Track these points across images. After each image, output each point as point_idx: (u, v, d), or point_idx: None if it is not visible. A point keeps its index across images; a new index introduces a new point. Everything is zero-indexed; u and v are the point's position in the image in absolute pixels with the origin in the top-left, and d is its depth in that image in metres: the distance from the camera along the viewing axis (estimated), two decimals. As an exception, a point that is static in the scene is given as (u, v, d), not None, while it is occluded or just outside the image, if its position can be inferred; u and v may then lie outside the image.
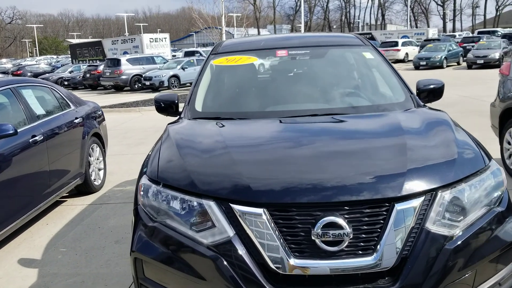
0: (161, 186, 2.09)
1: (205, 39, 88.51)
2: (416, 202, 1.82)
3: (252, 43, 3.63)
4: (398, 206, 1.80)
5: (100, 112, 6.08)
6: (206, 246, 1.86)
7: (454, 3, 72.45)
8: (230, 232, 1.84)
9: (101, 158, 5.84)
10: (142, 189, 2.17)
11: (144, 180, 2.20)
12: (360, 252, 1.78)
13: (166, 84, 20.38)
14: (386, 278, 1.79)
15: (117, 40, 30.95)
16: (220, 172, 2.01)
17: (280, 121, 2.59)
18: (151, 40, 28.84)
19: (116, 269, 3.51)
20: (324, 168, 1.98)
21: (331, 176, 1.91)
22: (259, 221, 1.82)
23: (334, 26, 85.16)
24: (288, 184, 1.88)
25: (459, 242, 1.81)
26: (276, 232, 1.80)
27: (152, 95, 18.56)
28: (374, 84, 3.11)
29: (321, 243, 1.77)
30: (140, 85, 21.54)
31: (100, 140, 5.84)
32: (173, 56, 30.48)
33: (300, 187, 1.85)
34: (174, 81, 20.83)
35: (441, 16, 75.78)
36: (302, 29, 37.94)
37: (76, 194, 5.39)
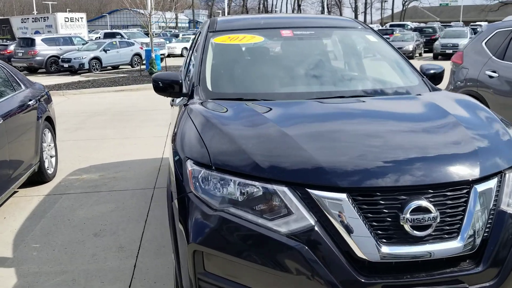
0: (215, 170, 1.91)
1: (121, 21, 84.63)
2: (492, 183, 1.83)
3: (252, 21, 3.47)
4: (478, 188, 1.80)
5: (48, 93, 5.54)
6: (285, 235, 1.73)
7: (366, -3, 76.05)
8: (311, 219, 1.73)
9: (52, 144, 5.33)
10: (192, 175, 1.97)
11: (192, 165, 2.00)
12: (446, 236, 1.75)
13: (86, 66, 19.29)
14: (467, 261, 1.79)
15: (28, 19, 28.56)
16: (289, 155, 1.87)
17: (321, 102, 2.49)
18: (66, 19, 27.01)
19: (107, 264, 3.22)
20: (400, 149, 1.92)
21: (411, 157, 1.86)
22: (342, 207, 1.72)
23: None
24: (369, 167, 1.79)
25: None
26: (362, 218, 1.72)
27: (73, 78, 17.42)
28: (387, 67, 3.11)
29: (410, 228, 1.71)
30: (57, 67, 20.14)
31: (51, 124, 5.32)
32: (95, 38, 28.73)
33: (382, 170, 1.78)
34: (96, 63, 19.75)
35: (353, 8, 79.21)
36: (221, 15, 37.63)
37: (27, 184, 4.87)
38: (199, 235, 1.86)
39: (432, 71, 3.14)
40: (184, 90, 2.94)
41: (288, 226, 1.74)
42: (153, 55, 17.83)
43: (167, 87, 2.93)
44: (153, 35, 18.74)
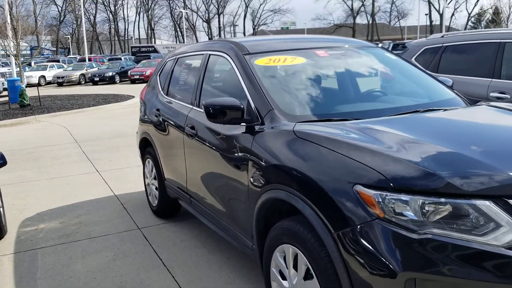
0: (399, 192, 1.85)
1: None
2: None
3: (279, 43, 3.42)
4: None
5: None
6: (504, 246, 1.75)
7: (218, 21, 78.74)
8: None
9: (-2, 193, 4.50)
10: (376, 200, 1.87)
11: (368, 191, 1.91)
12: None
13: None
14: None
15: None
16: (477, 170, 1.90)
17: (423, 116, 2.56)
18: None
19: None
20: None
21: None
22: None
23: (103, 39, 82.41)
24: None
25: None
26: None
27: None
28: (423, 81, 3.31)
29: None
30: None
31: (-5, 169, 4.49)
32: None
33: None
34: None
35: (207, 32, 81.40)
36: (70, 40, 35.74)
37: (-21, 244, 4.04)
38: (408, 261, 1.78)
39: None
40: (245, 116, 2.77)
41: (500, 239, 1.76)
42: (23, 86, 16.10)
43: (224, 113, 2.74)
44: (21, 64, 16.92)
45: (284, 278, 2.43)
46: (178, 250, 3.80)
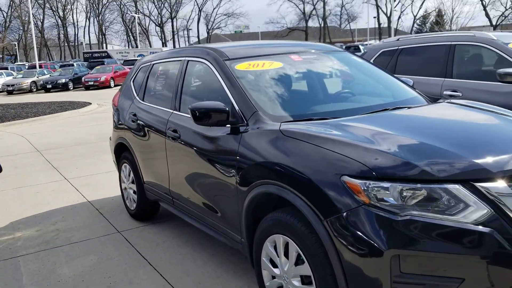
0: (381, 180, 2.10)
1: None
2: None
3: (255, 49, 3.63)
4: None
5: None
6: (472, 223, 2.02)
7: (172, 25, 78.15)
8: (485, 207, 2.05)
9: (-29, 203, 4.45)
10: (362, 188, 2.11)
11: (354, 180, 2.14)
12: None
13: None
14: None
15: None
16: (446, 158, 2.17)
17: (390, 114, 2.84)
18: None
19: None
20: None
21: None
22: (502, 192, 2.09)
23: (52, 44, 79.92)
24: (508, 156, 2.20)
25: None
26: None
27: None
28: (388, 82, 3.60)
29: None
30: None
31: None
32: None
33: None
34: None
35: (160, 37, 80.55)
36: (17, 47, 34.67)
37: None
38: (393, 240, 2.03)
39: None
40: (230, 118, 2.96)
41: (472, 216, 2.03)
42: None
43: (209, 115, 2.91)
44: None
45: (275, 266, 2.63)
46: (162, 250, 3.93)
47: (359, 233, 2.10)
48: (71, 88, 27.44)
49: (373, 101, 3.25)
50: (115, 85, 27.35)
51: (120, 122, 4.76)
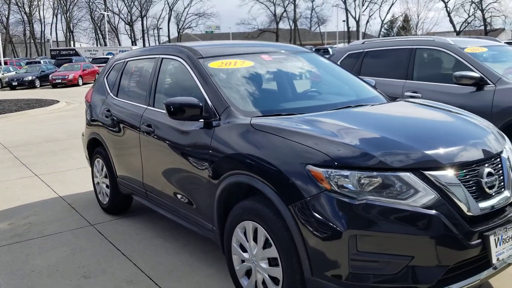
0: (341, 168, 2.32)
1: None
2: (506, 154, 2.71)
3: (229, 48, 3.81)
4: (503, 155, 2.66)
5: None
6: (421, 206, 2.26)
7: (142, 24, 77.32)
8: (433, 192, 2.30)
9: None
10: (324, 176, 2.32)
11: (317, 169, 2.35)
12: (501, 190, 2.54)
13: None
14: (508, 206, 2.60)
15: None
16: (400, 150, 2.40)
17: (351, 111, 3.06)
18: None
19: None
20: (460, 131, 2.66)
21: (471, 136, 2.62)
22: (449, 180, 2.34)
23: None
24: (456, 147, 2.47)
25: None
26: (462, 186, 2.37)
27: None
28: (351, 81, 3.84)
29: (487, 188, 2.45)
30: None
31: None
32: None
33: (463, 148, 2.48)
34: None
35: (129, 35, 79.56)
36: None
37: None
38: (352, 222, 2.24)
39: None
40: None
41: (421, 201, 2.27)
42: None
43: (184, 110, 3.07)
44: None
45: (244, 251, 2.81)
46: (135, 242, 4.05)
47: (321, 216, 2.31)
48: (38, 86, 26.91)
49: (338, 99, 3.48)
50: (84, 83, 26.97)
51: (93, 118, 4.84)
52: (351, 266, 2.27)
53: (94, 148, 4.92)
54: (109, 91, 4.67)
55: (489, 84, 5.08)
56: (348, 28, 72.52)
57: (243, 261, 2.84)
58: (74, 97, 18.75)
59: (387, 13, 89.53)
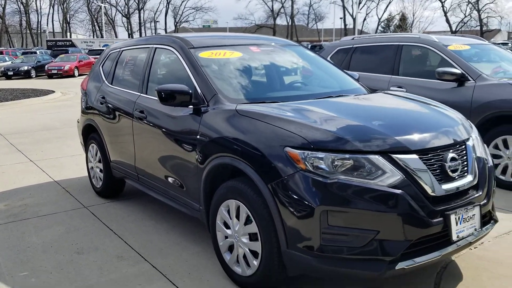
0: (317, 150, 2.52)
1: None
2: (471, 142, 2.94)
3: (219, 39, 4.01)
4: (469, 143, 2.88)
5: None
6: (388, 186, 2.48)
7: (139, 17, 77.19)
8: (399, 174, 2.51)
9: None
10: (300, 157, 2.53)
11: (294, 150, 2.56)
12: (464, 174, 2.77)
13: None
14: (473, 189, 2.82)
15: None
16: (371, 135, 2.61)
17: (334, 101, 3.27)
18: None
19: (124, 272, 3.30)
20: (429, 119, 2.87)
21: (439, 124, 2.83)
22: (414, 163, 2.56)
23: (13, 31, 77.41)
24: (424, 134, 2.68)
25: (491, 163, 3.03)
26: (426, 169, 2.59)
27: None
28: (335, 74, 4.06)
29: (451, 172, 2.67)
30: None
31: None
32: None
33: (430, 135, 2.70)
34: None
35: (126, 28, 79.41)
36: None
37: None
38: (324, 198, 2.45)
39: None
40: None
41: (388, 181, 2.48)
42: None
43: (174, 97, 3.27)
44: None
45: (227, 227, 3.02)
46: (126, 223, 4.25)
47: (296, 193, 2.52)
48: (34, 76, 26.93)
49: (320, 90, 3.69)
50: (79, 75, 27.03)
51: (88, 105, 5.03)
52: (322, 238, 2.48)
53: (89, 134, 5.11)
54: (104, 79, 4.86)
55: (470, 81, 5.30)
56: (345, 25, 72.76)
57: (226, 237, 3.05)
58: (69, 88, 18.87)
59: (384, 11, 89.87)
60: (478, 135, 3.13)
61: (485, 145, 3.18)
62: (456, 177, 2.71)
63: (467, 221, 2.68)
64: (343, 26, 73.08)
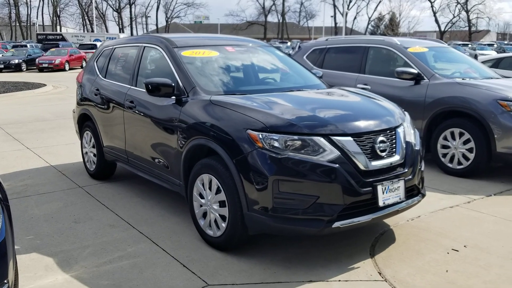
0: (272, 132, 3.16)
1: None
2: (401, 129, 3.59)
3: (199, 40, 4.64)
4: (399, 130, 3.53)
5: None
6: (327, 161, 3.12)
7: (130, 12, 77.26)
8: (336, 152, 3.16)
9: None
10: (258, 137, 3.16)
11: (254, 132, 3.19)
12: (393, 154, 3.42)
13: None
14: (401, 166, 3.47)
15: None
16: (316, 121, 3.26)
17: (292, 93, 3.91)
18: None
19: (116, 236, 3.91)
20: (366, 110, 3.53)
21: (376, 115, 3.48)
22: (349, 144, 3.21)
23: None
24: (359, 121, 3.33)
25: (419, 146, 3.69)
26: (359, 149, 3.24)
27: None
28: (300, 71, 4.70)
29: (380, 151, 3.32)
30: None
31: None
32: None
33: (364, 122, 3.35)
34: None
35: (117, 22, 79.41)
36: None
37: None
38: (277, 169, 3.09)
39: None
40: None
41: (327, 157, 3.13)
42: None
43: (159, 89, 3.89)
44: None
45: (202, 198, 3.66)
46: (117, 199, 4.86)
47: (254, 166, 3.16)
48: (24, 70, 27.26)
49: (284, 85, 4.34)
50: (70, 69, 27.43)
51: (83, 96, 5.62)
52: (274, 202, 3.12)
53: (84, 122, 5.70)
54: (98, 73, 5.45)
55: (424, 79, 5.98)
56: (336, 23, 73.58)
57: (201, 206, 3.68)
58: (60, 82, 19.32)
59: (374, 10, 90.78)
60: (411, 123, 3.79)
61: (417, 132, 3.84)
62: (385, 156, 3.36)
63: (393, 191, 3.34)
64: (333, 25, 73.90)
